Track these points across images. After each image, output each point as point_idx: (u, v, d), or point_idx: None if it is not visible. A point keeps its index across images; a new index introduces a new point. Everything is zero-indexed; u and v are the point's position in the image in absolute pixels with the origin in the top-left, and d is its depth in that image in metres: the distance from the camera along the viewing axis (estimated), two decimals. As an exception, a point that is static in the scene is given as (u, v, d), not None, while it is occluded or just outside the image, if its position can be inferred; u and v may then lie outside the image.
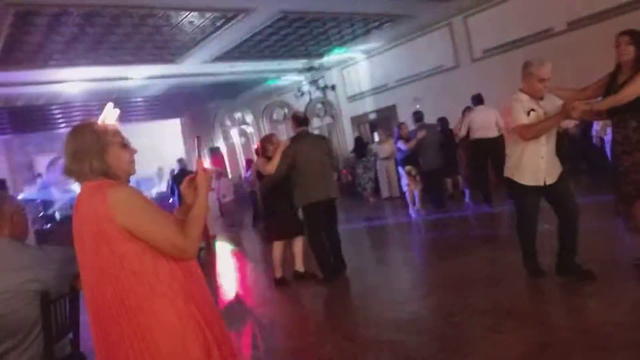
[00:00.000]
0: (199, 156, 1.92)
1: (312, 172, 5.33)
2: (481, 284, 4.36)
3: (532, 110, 3.74)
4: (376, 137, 11.81)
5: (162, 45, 10.15)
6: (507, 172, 3.99)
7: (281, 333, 4.22)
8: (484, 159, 8.13)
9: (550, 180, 3.82)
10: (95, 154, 1.71)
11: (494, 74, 10.63)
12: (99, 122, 1.82)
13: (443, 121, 9.78)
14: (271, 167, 5.29)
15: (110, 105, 1.95)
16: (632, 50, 3.52)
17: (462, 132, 8.33)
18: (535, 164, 3.80)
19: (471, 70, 11.57)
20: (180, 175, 9.89)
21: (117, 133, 1.81)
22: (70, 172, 1.75)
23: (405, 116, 11.70)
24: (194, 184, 1.87)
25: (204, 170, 1.86)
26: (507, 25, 10.62)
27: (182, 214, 1.87)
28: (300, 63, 13.42)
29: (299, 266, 5.55)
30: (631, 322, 3.04)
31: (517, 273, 4.43)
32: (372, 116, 14.42)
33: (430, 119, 10.04)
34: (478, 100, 8.35)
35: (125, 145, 1.82)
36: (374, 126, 13.89)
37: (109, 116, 1.89)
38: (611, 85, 3.65)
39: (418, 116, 9.03)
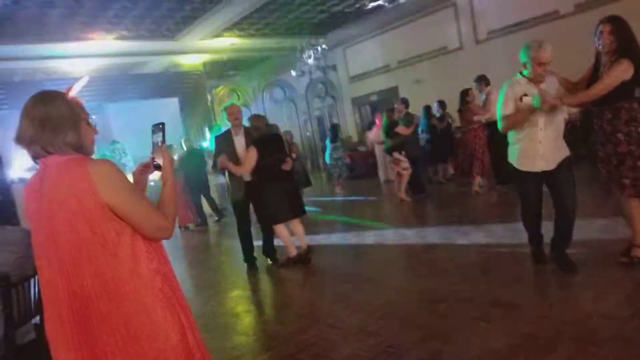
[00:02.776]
0: (164, 142, 1.85)
1: None
2: (469, 271, 4.28)
3: (525, 95, 3.57)
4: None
5: (160, 21, 9.98)
6: (509, 158, 3.92)
7: (263, 318, 4.17)
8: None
9: (547, 167, 3.65)
10: (71, 126, 1.61)
11: (498, 57, 10.42)
12: (70, 94, 1.70)
13: (442, 104, 9.61)
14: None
15: (85, 78, 1.85)
16: (614, 39, 3.39)
17: (489, 114, 7.42)
18: (533, 149, 3.65)
19: (475, 52, 11.36)
20: (188, 156, 9.75)
21: (84, 109, 1.72)
22: (36, 141, 1.59)
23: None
24: (150, 171, 1.87)
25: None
26: (513, 6, 10.39)
27: None
28: (301, 41, 13.19)
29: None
30: (619, 316, 2.97)
31: (506, 261, 4.37)
32: (374, 98, 14.23)
33: (431, 101, 9.90)
34: (487, 81, 7.96)
35: (89, 123, 1.72)
36: (374, 108, 13.71)
37: (78, 88, 1.78)
38: (594, 77, 3.52)
39: (406, 103, 8.79)
